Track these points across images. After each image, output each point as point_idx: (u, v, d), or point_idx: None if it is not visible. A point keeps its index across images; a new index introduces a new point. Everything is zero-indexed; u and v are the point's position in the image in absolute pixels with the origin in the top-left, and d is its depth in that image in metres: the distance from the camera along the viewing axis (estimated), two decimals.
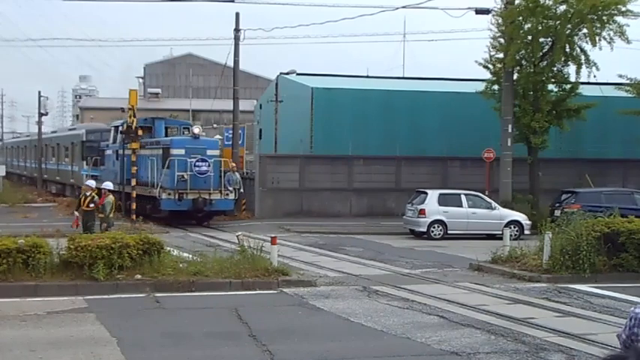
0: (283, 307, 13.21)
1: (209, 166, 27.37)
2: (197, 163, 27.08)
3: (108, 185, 19.83)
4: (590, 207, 22.70)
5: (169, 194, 26.97)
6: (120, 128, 30.50)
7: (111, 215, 19.11)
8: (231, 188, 28.44)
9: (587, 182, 30.96)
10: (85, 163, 36.42)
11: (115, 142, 31.73)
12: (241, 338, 10.63)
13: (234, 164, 30.50)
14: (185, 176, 26.95)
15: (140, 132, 28.23)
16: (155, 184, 27.67)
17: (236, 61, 34.28)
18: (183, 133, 30.77)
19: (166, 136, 30.79)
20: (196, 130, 28.21)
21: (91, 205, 18.74)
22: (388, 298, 13.98)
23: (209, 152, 27.92)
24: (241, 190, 29.94)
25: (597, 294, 14.69)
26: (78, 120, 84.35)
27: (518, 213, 26.21)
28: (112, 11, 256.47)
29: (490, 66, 30.36)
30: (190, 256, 16.81)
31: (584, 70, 28.55)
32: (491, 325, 11.69)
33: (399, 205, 30.22)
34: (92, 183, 19.95)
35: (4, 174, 44.60)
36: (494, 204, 26.18)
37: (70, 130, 45.82)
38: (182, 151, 27.39)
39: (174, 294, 13.88)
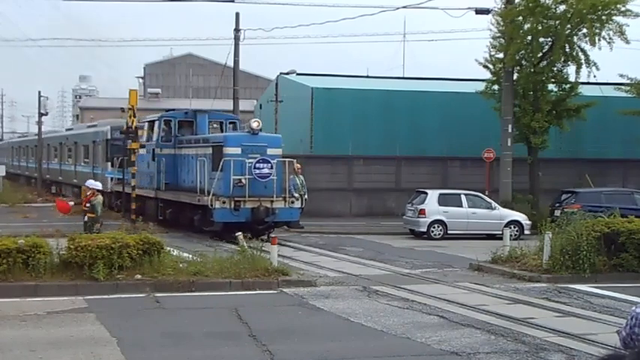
0: (283, 307, 13.21)
1: (271, 167, 22.62)
2: (257, 165, 22.46)
3: (97, 185, 19.57)
4: (590, 207, 22.73)
5: (224, 203, 22.22)
6: (157, 124, 27.12)
7: (100, 215, 18.81)
8: (296, 194, 24.01)
9: (587, 182, 30.96)
10: (109, 164, 32.10)
11: (149, 139, 27.62)
12: (241, 338, 10.63)
13: (298, 165, 26.12)
14: (243, 180, 22.41)
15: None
16: (205, 190, 23.06)
17: (236, 61, 34.28)
18: (228, 129, 26.69)
19: (211, 132, 26.73)
20: (255, 124, 23.15)
21: (88, 205, 18.67)
22: (388, 298, 13.98)
23: (270, 151, 23.14)
24: (306, 197, 25.25)
25: (597, 294, 14.69)
26: (78, 120, 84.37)
27: (518, 213, 26.22)
28: (112, 11, 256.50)
29: (490, 66, 30.38)
30: (190, 256, 16.81)
31: (584, 70, 28.60)
32: (491, 325, 11.69)
33: (399, 205, 30.23)
34: (92, 183, 19.84)
35: (4, 174, 44.59)
36: (494, 204, 26.18)
37: (91, 127, 39.83)
38: (238, 150, 22.79)
39: (174, 294, 13.88)
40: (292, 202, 23.30)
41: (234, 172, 22.41)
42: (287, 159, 23.82)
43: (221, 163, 22.44)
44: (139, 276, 14.24)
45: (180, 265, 15.18)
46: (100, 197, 18.82)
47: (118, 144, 31.61)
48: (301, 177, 25.64)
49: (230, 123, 27.05)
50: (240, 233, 17.89)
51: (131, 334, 10.80)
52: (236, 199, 22.29)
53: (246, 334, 10.85)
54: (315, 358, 9.76)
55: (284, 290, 14.56)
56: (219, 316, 12.21)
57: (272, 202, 22.76)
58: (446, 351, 10.05)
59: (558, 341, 10.66)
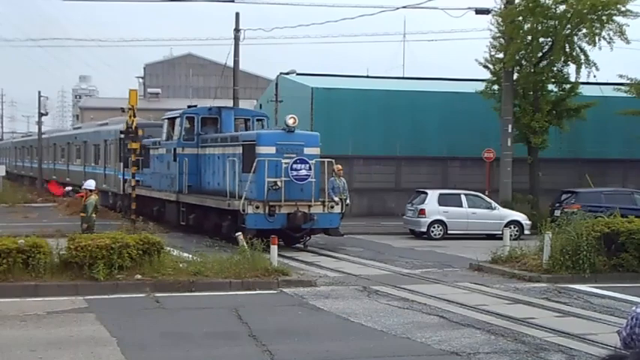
0: (283, 307, 13.21)
1: (309, 169, 20.59)
2: (294, 166, 20.41)
3: (90, 185, 19.43)
4: (590, 207, 22.71)
5: (257, 208, 20.24)
6: (178, 121, 24.99)
7: (93, 216, 18.71)
8: (336, 198, 22.28)
9: (587, 182, 30.96)
10: (123, 165, 30.23)
11: (169, 138, 25.75)
12: (241, 338, 10.63)
13: (339, 166, 24.03)
14: (279, 183, 20.40)
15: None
16: (235, 193, 21.10)
17: (236, 61, 34.28)
18: (255, 127, 24.72)
19: (236, 130, 24.68)
20: (290, 120, 20.85)
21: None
22: (388, 298, 13.98)
23: (307, 150, 21.09)
24: (347, 202, 23.54)
25: (597, 294, 14.69)
26: (78, 120, 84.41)
27: (518, 213, 26.21)
28: (112, 11, 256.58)
29: (490, 66, 30.39)
30: (190, 256, 16.80)
31: (583, 70, 28.61)
32: (491, 325, 11.69)
33: (399, 205, 30.21)
34: (90, 184, 19.78)
35: (4, 174, 44.59)
36: (494, 204, 26.18)
37: (102, 125, 37.48)
38: (272, 150, 20.74)
39: (174, 294, 13.88)
40: (332, 207, 21.35)
41: (268, 173, 20.41)
42: (326, 159, 21.75)
43: (254, 164, 20.35)
44: (139, 276, 14.24)
45: (180, 265, 15.19)
46: (92, 198, 18.55)
47: None
48: (343, 179, 23.99)
49: (257, 120, 25.15)
50: (240, 233, 17.89)
51: (131, 334, 10.80)
52: (271, 203, 20.31)
53: (246, 334, 10.85)
54: (315, 358, 9.76)
55: (284, 290, 14.57)
56: (219, 316, 12.21)
57: (310, 206, 20.75)
58: (446, 351, 10.05)
59: (558, 341, 10.66)
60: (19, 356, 9.51)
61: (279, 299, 13.91)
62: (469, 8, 29.21)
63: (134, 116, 24.37)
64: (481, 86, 31.20)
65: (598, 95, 31.73)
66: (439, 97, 34.89)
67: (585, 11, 27.31)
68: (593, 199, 26.08)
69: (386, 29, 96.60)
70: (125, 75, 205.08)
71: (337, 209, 21.57)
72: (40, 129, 51.69)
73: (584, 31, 28.14)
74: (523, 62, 29.59)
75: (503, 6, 28.98)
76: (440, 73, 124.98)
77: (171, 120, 25.89)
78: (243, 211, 20.19)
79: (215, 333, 10.99)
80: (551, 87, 30.24)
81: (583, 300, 14.11)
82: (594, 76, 28.74)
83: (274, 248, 16.18)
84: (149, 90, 75.27)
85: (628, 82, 30.28)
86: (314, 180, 20.86)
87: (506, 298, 14.27)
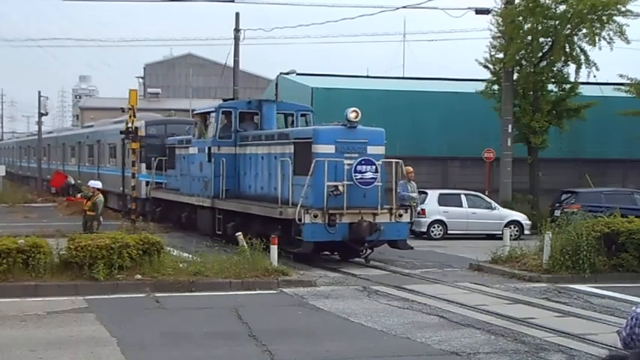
0: (283, 307, 13.22)
1: (376, 171, 17.89)
2: (358, 167, 17.69)
3: (97, 184, 19.68)
4: (590, 207, 22.72)
5: (315, 217, 17.43)
6: (213, 117, 22.25)
7: (101, 215, 18.90)
8: (406, 204, 19.69)
9: (587, 182, 30.97)
10: (144, 166, 27.97)
11: (200, 136, 23.15)
12: (241, 338, 10.63)
13: (410, 168, 21.38)
14: (340, 188, 17.60)
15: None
16: (288, 199, 18.39)
17: (236, 61, 34.32)
18: (299, 123, 22.16)
19: (277, 125, 22.22)
20: (353, 114, 18.14)
21: (89, 204, 18.71)
22: (388, 298, 13.98)
23: (371, 149, 18.31)
24: (418, 209, 21.23)
25: (597, 294, 14.70)
26: (78, 120, 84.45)
27: (518, 213, 26.22)
28: (111, 11, 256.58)
29: (490, 66, 30.40)
30: (190, 256, 16.80)
31: (583, 70, 28.64)
32: (492, 325, 11.69)
33: None
34: (97, 183, 19.86)
35: (4, 174, 44.56)
36: (494, 204, 26.19)
37: (118, 122, 33.59)
38: (331, 148, 17.97)
39: (174, 294, 13.88)
40: (400, 216, 18.41)
41: (328, 176, 17.62)
42: (394, 159, 19.19)
43: (312, 165, 17.54)
44: (139, 276, 14.24)
45: (180, 265, 15.19)
46: (100, 196, 18.93)
47: (155, 142, 28.07)
48: (413, 183, 21.47)
49: (302, 115, 22.49)
50: (240, 233, 17.88)
51: (131, 334, 10.79)
52: (331, 211, 17.53)
53: (246, 334, 10.85)
54: (315, 358, 9.76)
55: (284, 290, 14.57)
56: (219, 316, 12.21)
57: (375, 215, 17.96)
58: (446, 351, 10.05)
59: (558, 341, 10.66)
60: (19, 356, 9.51)
61: (279, 299, 13.91)
62: (469, 8, 29.23)
63: (134, 116, 24.33)
64: (481, 86, 31.20)
65: (598, 95, 31.74)
66: (439, 97, 34.89)
67: (585, 11, 27.32)
68: (593, 199, 26.08)
69: (386, 29, 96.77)
70: (125, 75, 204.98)
71: (406, 218, 18.72)
72: (40, 129, 51.66)
73: (584, 31, 28.16)
74: (523, 62, 29.61)
75: (503, 6, 28.99)
76: (440, 73, 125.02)
77: (204, 115, 23.20)
78: (299, 220, 17.35)
79: (215, 333, 10.99)
80: (551, 87, 30.25)
81: (583, 300, 14.11)
82: (594, 76, 28.79)
83: (274, 248, 16.17)
84: (149, 90, 75.30)
85: (628, 82, 30.29)
86: (380, 184, 18.18)
87: (506, 298, 14.27)
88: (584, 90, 30.76)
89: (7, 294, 13.14)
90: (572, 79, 29.69)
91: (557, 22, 28.24)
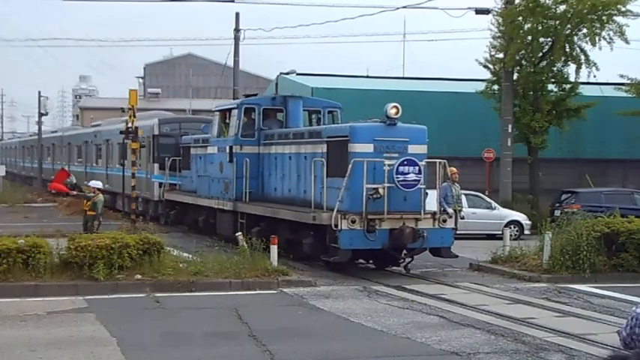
0: (283, 307, 13.22)
1: (419, 172, 16.54)
2: (400, 168, 16.24)
3: (98, 184, 19.73)
4: (590, 207, 22.71)
5: (353, 222, 15.92)
6: (235, 113, 20.59)
7: (101, 215, 18.92)
8: (450, 210, 17.96)
9: (587, 182, 30.98)
10: (157, 166, 27.02)
11: (220, 134, 21.59)
12: (241, 338, 10.63)
13: (453, 169, 19.79)
14: (380, 191, 16.09)
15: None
16: (320, 203, 16.83)
17: (236, 61, 34.34)
18: (326, 120, 20.78)
19: (303, 123, 20.67)
20: (393, 110, 16.88)
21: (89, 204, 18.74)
22: (388, 298, 13.98)
23: (412, 148, 17.02)
24: (462, 214, 19.64)
25: (597, 294, 14.70)
26: (78, 120, 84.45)
27: (518, 213, 26.21)
28: (111, 11, 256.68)
29: (490, 66, 30.41)
30: (190, 256, 16.81)
31: (584, 70, 28.64)
32: (491, 325, 11.70)
33: None
34: (97, 183, 19.88)
35: (4, 174, 44.57)
36: (494, 204, 26.17)
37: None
38: (370, 147, 16.50)
39: (174, 294, 13.88)
40: (444, 221, 17.03)
41: (367, 178, 16.11)
42: (438, 160, 17.88)
43: (350, 166, 16.03)
44: (139, 276, 14.24)
45: (180, 265, 15.19)
46: (100, 196, 18.94)
47: (169, 142, 27.06)
48: (457, 185, 19.86)
49: (329, 112, 21.05)
50: (240, 233, 17.88)
51: (131, 334, 10.80)
52: (370, 217, 16.05)
53: (246, 334, 10.85)
54: (315, 358, 9.76)
55: (284, 290, 14.57)
56: (219, 316, 12.21)
57: (417, 220, 16.58)
58: (446, 351, 10.05)
59: (558, 341, 10.66)
60: (19, 356, 9.51)
61: (279, 299, 13.91)
62: (469, 8, 29.24)
63: (134, 116, 24.32)
64: (481, 86, 31.20)
65: (598, 95, 31.75)
66: (439, 97, 34.87)
67: (585, 11, 27.34)
68: (593, 199, 26.07)
69: (386, 29, 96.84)
70: (125, 75, 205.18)
71: (450, 223, 17.24)
72: (40, 129, 51.69)
73: (585, 31, 28.17)
74: (523, 62, 29.61)
75: (503, 6, 28.99)
76: (440, 73, 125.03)
77: (224, 112, 21.62)
78: (335, 226, 15.84)
79: (215, 333, 10.99)
80: (551, 87, 30.25)
81: (583, 300, 14.11)
82: (594, 76, 28.79)
83: (274, 248, 16.16)
84: (149, 90, 75.33)
85: (628, 82, 30.30)
86: (423, 187, 16.83)
87: (506, 298, 14.27)
88: (584, 90, 30.76)
89: (7, 294, 13.14)
90: (572, 79, 29.69)
91: (557, 22, 28.24)
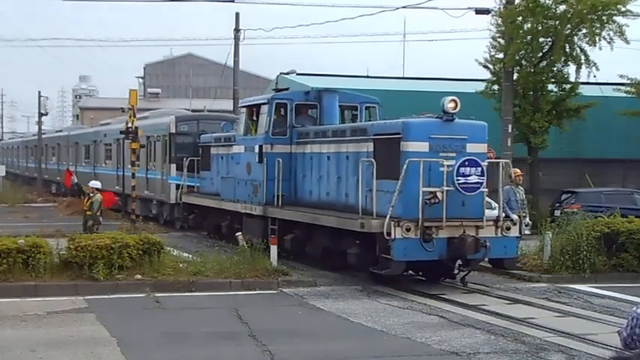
0: (283, 307, 13.22)
1: (482, 174, 14.76)
2: (461, 169, 14.49)
3: (96, 184, 19.74)
4: (590, 207, 22.71)
5: (408, 230, 14.14)
6: (266, 109, 18.82)
7: (98, 213, 18.92)
8: (514, 216, 15.96)
9: (587, 182, 30.97)
10: (174, 167, 25.76)
11: (247, 132, 19.82)
12: (241, 338, 10.63)
13: (517, 170, 18.14)
14: (439, 195, 14.40)
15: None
16: (367, 209, 15.09)
17: (236, 61, 34.34)
18: (362, 117, 19.31)
19: (339, 119, 19.10)
20: (451, 105, 15.40)
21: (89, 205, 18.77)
22: (388, 298, 13.98)
23: (471, 147, 15.23)
24: (528, 221, 17.20)
25: (597, 294, 14.70)
26: (78, 120, 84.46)
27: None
28: (111, 11, 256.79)
29: (490, 66, 30.39)
30: (190, 256, 16.81)
31: (584, 70, 28.59)
32: (491, 325, 11.70)
33: None
34: (96, 184, 19.89)
35: (4, 174, 44.57)
36: (494, 204, 26.09)
37: (141, 119, 29.77)
38: (424, 146, 14.82)
39: (174, 294, 13.89)
40: (507, 229, 15.28)
41: (423, 180, 14.34)
42: (501, 160, 16.36)
43: (405, 167, 14.28)
44: (139, 276, 14.25)
45: (180, 265, 15.20)
46: (98, 196, 18.91)
47: (186, 140, 25.79)
48: (521, 188, 18.02)
49: (366, 108, 19.49)
50: (240, 233, 17.88)
51: (131, 334, 10.80)
52: (427, 224, 14.28)
53: (246, 334, 10.86)
54: (315, 358, 9.76)
55: (284, 290, 14.57)
56: (219, 316, 12.22)
57: (478, 227, 14.84)
58: (446, 351, 10.05)
59: (558, 341, 10.66)
60: (19, 356, 9.51)
61: (279, 299, 13.91)
62: (469, 8, 29.21)
63: (134, 116, 24.32)
64: (481, 86, 31.17)
65: (598, 95, 31.72)
66: (439, 97, 34.74)
67: (585, 11, 27.31)
68: (593, 199, 26.06)
69: (386, 29, 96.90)
70: (125, 75, 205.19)
71: (514, 231, 15.44)
72: (40, 129, 51.72)
73: (584, 31, 28.14)
74: (523, 62, 29.58)
75: (503, 6, 28.97)
76: (440, 73, 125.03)
77: (252, 109, 19.84)
78: (388, 234, 14.07)
79: (215, 333, 11.00)
80: (551, 87, 30.23)
81: (583, 300, 14.11)
82: (594, 76, 28.73)
83: (274, 248, 16.16)
84: (149, 90, 75.40)
85: (628, 82, 30.29)
86: (485, 190, 15.18)
87: (506, 298, 14.26)
88: (584, 90, 30.74)
89: (7, 294, 13.15)
90: (572, 79, 29.65)
91: (557, 22, 28.21)
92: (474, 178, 14.59)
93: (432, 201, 14.35)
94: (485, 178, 14.86)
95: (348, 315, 12.30)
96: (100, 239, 14.39)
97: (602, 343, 10.43)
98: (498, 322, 11.89)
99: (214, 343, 10.46)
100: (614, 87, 32.55)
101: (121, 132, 25.24)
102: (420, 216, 14.18)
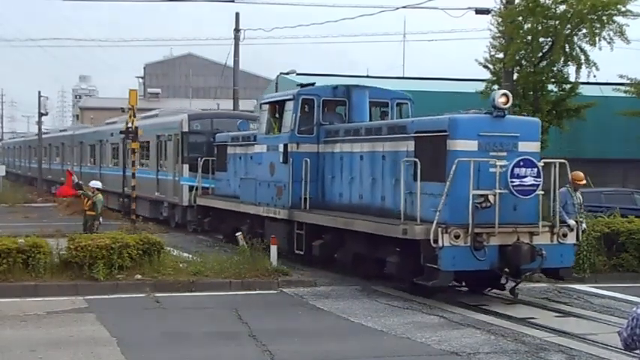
0: (283, 307, 13.22)
1: (538, 175, 13.45)
2: (516, 170, 13.18)
3: (97, 184, 19.77)
4: (590, 207, 22.70)
5: (456, 237, 12.84)
6: (291, 106, 17.63)
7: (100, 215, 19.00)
8: (571, 222, 14.30)
9: (587, 182, 30.95)
10: (186, 167, 24.58)
11: (269, 130, 18.55)
12: (241, 338, 10.63)
13: (581, 175, 16.00)
14: (491, 198, 13.10)
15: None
16: (409, 213, 13.75)
17: (236, 61, 34.33)
18: (394, 114, 18.30)
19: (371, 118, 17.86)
20: (502, 99, 13.63)
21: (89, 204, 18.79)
22: (388, 298, 13.97)
23: (523, 146, 13.89)
24: (584, 226, 15.29)
25: (597, 294, 14.70)
26: (78, 120, 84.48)
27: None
28: (111, 11, 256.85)
29: (490, 66, 30.39)
30: (190, 256, 16.82)
31: (584, 70, 28.57)
32: (491, 325, 11.70)
33: None
34: (97, 184, 19.90)
35: (4, 174, 44.58)
36: None
37: (149, 117, 29.49)
38: (473, 145, 13.49)
39: (174, 294, 13.89)
40: (564, 236, 13.88)
41: (473, 182, 12.99)
42: (557, 160, 14.32)
43: (453, 168, 12.95)
44: (139, 276, 14.25)
45: (180, 265, 15.21)
46: (99, 196, 18.97)
47: (200, 139, 24.68)
48: (578, 193, 15.94)
49: (397, 105, 18.52)
50: (240, 233, 17.87)
51: (131, 334, 10.80)
52: (478, 230, 12.98)
53: (246, 334, 10.86)
54: (315, 358, 9.76)
55: (284, 290, 14.56)
56: (219, 316, 12.22)
57: (532, 234, 13.49)
58: (446, 351, 10.05)
59: (558, 341, 10.66)
60: (19, 356, 9.51)
61: (279, 299, 13.91)
62: (469, 8, 29.23)
63: (134, 116, 24.32)
64: (481, 86, 31.17)
65: (598, 95, 31.74)
66: (439, 97, 34.85)
67: (585, 11, 27.30)
68: (593, 199, 26.05)
69: (386, 29, 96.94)
70: (125, 75, 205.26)
71: (571, 238, 14.07)
72: (40, 129, 51.71)
73: (584, 31, 28.13)
74: (523, 62, 29.56)
75: (503, 6, 28.97)
76: (440, 73, 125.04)
77: (275, 105, 18.53)
78: (435, 242, 12.76)
79: (215, 333, 11.00)
80: (551, 87, 30.22)
81: (583, 300, 14.12)
82: (594, 76, 28.71)
83: (274, 248, 16.16)
84: (149, 90, 75.44)
85: (628, 82, 30.30)
86: (542, 192, 13.67)
87: (507, 298, 14.25)
88: (584, 90, 30.73)
89: (7, 294, 13.15)
90: (572, 79, 29.65)
91: (557, 22, 28.20)
92: (529, 180, 13.32)
93: (483, 205, 13.07)
94: (541, 179, 13.55)
95: (348, 315, 12.29)
96: (100, 239, 14.39)
97: (602, 343, 10.43)
98: (498, 322, 11.89)
99: (214, 343, 10.46)
100: (614, 87, 32.57)
101: (121, 132, 25.10)
102: (470, 221, 12.88)
